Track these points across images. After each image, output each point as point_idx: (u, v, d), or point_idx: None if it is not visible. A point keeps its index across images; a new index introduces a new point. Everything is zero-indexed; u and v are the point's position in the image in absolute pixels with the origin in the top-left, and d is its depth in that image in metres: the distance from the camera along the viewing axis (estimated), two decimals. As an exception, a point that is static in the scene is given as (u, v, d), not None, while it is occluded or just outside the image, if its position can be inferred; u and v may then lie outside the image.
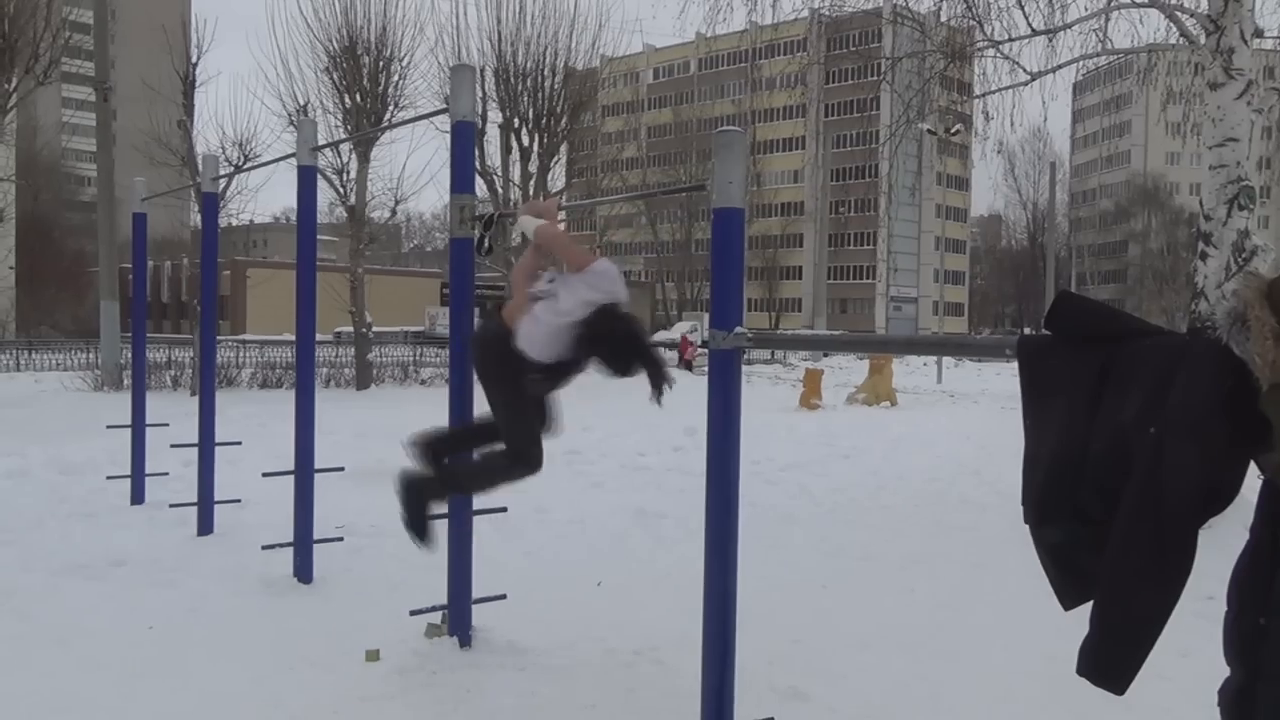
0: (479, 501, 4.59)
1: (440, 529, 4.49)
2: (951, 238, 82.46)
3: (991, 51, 10.66)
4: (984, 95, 11.55)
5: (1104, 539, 2.22)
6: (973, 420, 16.84)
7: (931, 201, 78.40)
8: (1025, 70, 10.23)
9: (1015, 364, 2.42)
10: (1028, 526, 2.39)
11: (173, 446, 7.61)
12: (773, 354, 40.82)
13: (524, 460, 4.04)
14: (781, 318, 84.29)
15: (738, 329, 3.05)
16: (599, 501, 8.02)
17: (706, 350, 3.06)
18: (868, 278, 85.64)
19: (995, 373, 32.42)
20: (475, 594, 4.67)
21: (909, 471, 10.53)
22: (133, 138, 27.74)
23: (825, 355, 38.98)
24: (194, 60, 20.71)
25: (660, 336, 47.47)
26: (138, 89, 27.04)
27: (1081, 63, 10.62)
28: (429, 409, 12.98)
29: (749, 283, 79.91)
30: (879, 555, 6.74)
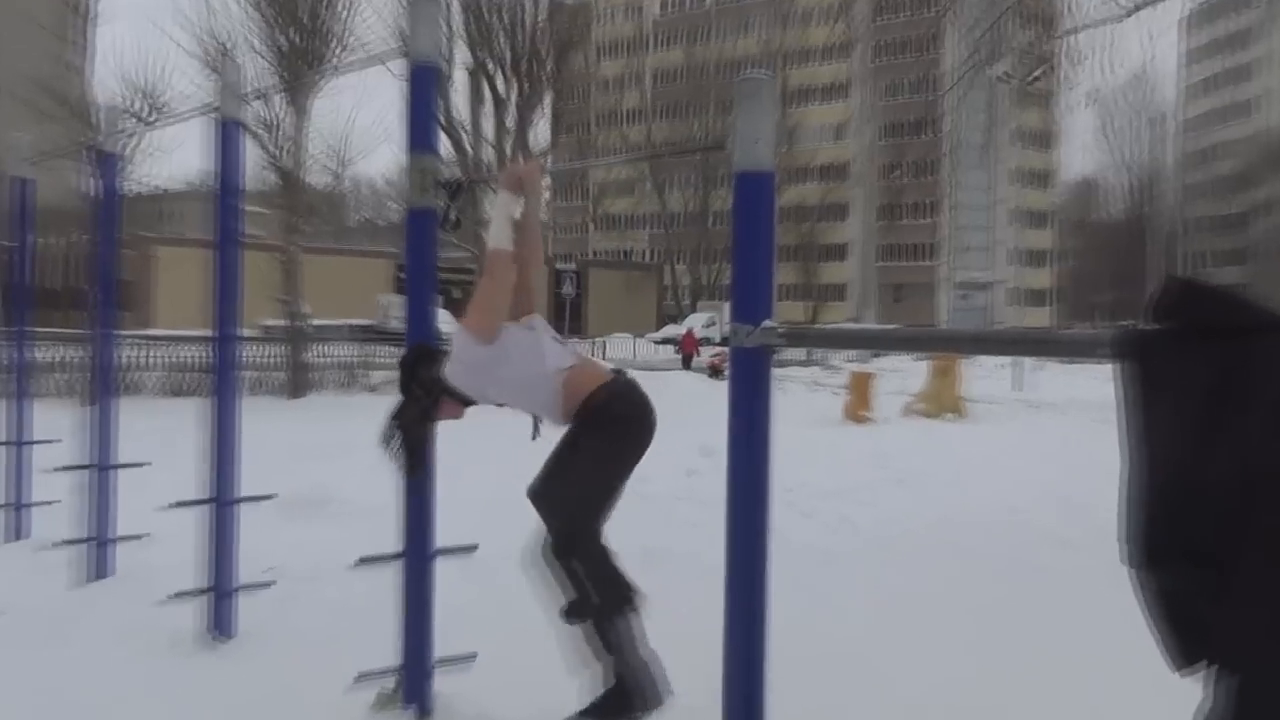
0: (441, 538, 4.58)
1: (391, 572, 4.48)
2: (1032, 209, 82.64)
3: (1082, -24, 10.66)
4: (1072, 32, 11.54)
5: (1228, 586, 2.20)
6: (1059, 436, 16.81)
7: (1007, 164, 78.39)
8: (1121, 2, 10.24)
9: (1113, 366, 2.40)
10: (1130, 569, 2.38)
11: (59, 470, 7.61)
12: (810, 354, 40.91)
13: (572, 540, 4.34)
14: (821, 309, 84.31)
15: (766, 323, 3.03)
16: (593, 538, 8.00)
17: (727, 350, 3.06)
18: (928, 259, 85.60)
19: (1089, 377, 32.39)
20: (437, 653, 4.66)
21: (979, 500, 10.50)
22: (12, 83, 27.79)
23: (876, 355, 39.07)
24: (88, -12, 20.78)
25: (669, 332, 47.58)
26: (18, 23, 27.07)
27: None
28: (379, 423, 12.93)
29: (781, 265, 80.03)
30: (941, 605, 6.72)
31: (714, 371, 33.94)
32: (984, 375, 32.90)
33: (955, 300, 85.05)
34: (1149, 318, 2.36)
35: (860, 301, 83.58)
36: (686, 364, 36.93)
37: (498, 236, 4.34)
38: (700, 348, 39.24)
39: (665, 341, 38.20)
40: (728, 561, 3.14)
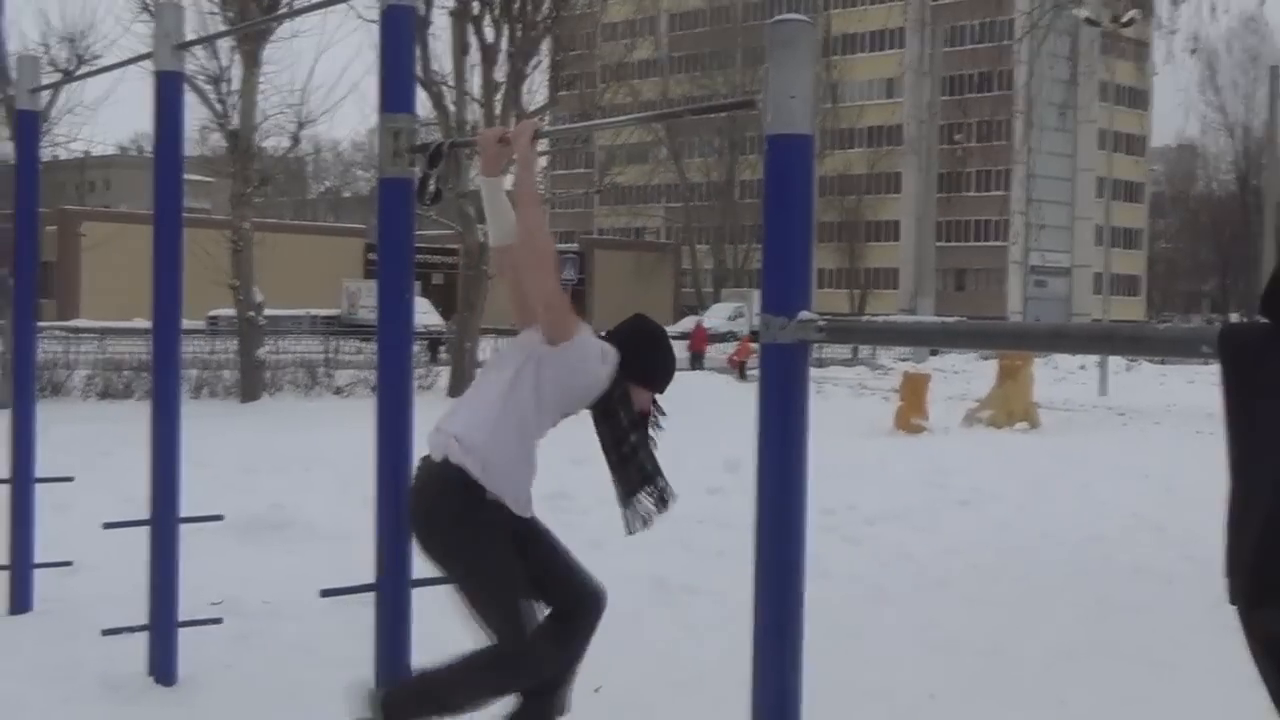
0: (419, 567, 4.59)
1: (361, 606, 4.50)
2: (1123, 179, 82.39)
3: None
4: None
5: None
6: (1153, 451, 16.78)
7: (1093, 125, 78.24)
8: (1232, -69, 10.21)
9: (1216, 367, 2.40)
10: (1234, 608, 2.38)
11: (-29, 484, 7.64)
12: (856, 351, 40.86)
13: (529, 660, 4.24)
14: (869, 297, 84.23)
15: (803, 314, 3.04)
16: (599, 567, 7.99)
17: (751, 344, 3.07)
18: (996, 239, 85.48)
19: (1187, 380, 32.32)
20: (415, 703, 4.66)
21: (1058, 526, 10.50)
22: (-86, 30, 27.80)
23: (933, 354, 39.01)
24: (4, -84, 20.83)
25: (689, 325, 47.61)
26: (-79, -42, 27.11)
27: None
28: (347, 431, 13.03)
29: (821, 245, 79.90)
30: (1013, 649, 6.72)
31: (739, 370, 33.90)
32: (1062, 378, 32.85)
33: (1029, 288, 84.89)
34: (1260, 311, 2.36)
35: (915, 289, 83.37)
36: (696, 363, 36.82)
37: (502, 225, 4.44)
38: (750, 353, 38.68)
39: (683, 336, 38.28)
40: (756, 598, 3.14)
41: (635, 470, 4.31)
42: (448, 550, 4.23)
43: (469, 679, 4.28)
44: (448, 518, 4.18)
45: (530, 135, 4.42)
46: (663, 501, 4.36)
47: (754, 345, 34.79)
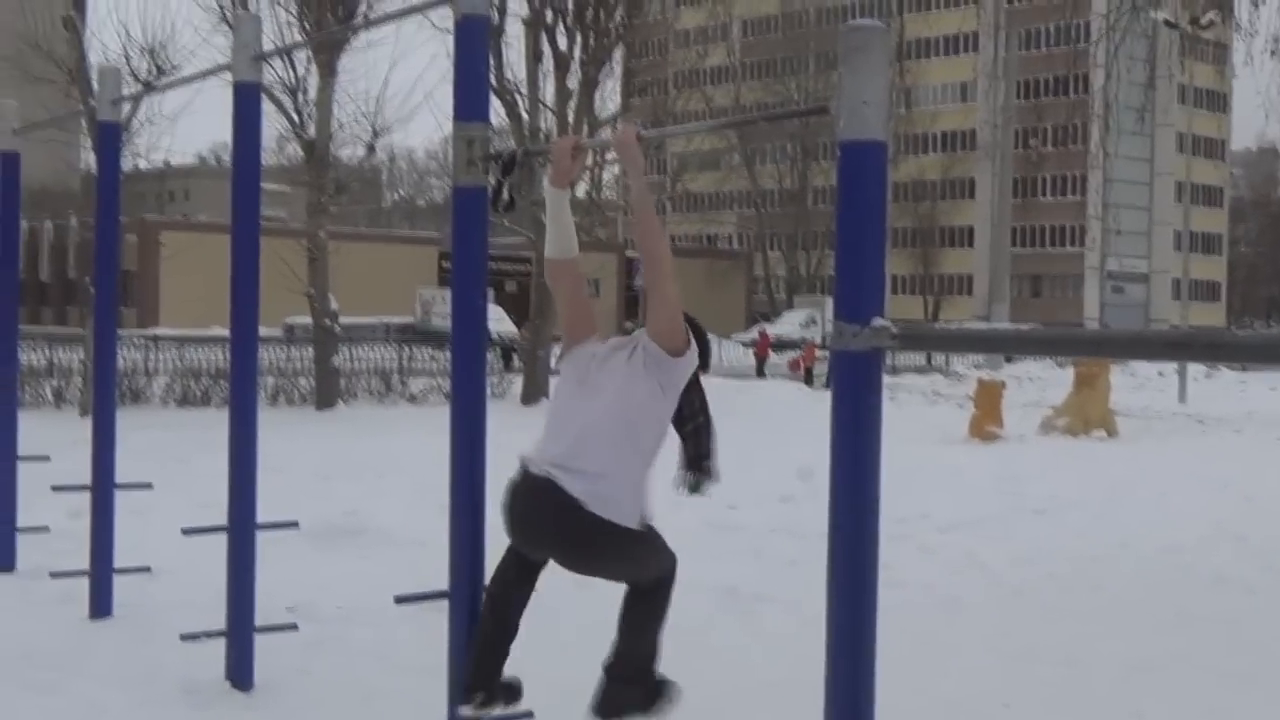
0: (490, 575, 4.61)
1: (435, 613, 4.52)
2: (1202, 183, 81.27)
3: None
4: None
5: None
6: (1233, 459, 16.55)
7: (1171, 129, 77.26)
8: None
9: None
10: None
11: (55, 489, 7.77)
12: (930, 359, 40.59)
13: (672, 575, 4.60)
14: (943, 304, 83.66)
15: (877, 321, 3.02)
16: (670, 575, 8.03)
17: (816, 349, 3.06)
18: (1073, 244, 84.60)
19: (1269, 387, 31.87)
20: (489, 710, 4.68)
21: (1136, 535, 10.38)
22: (-1, 43, 28.38)
23: (1008, 361, 38.66)
24: (86, -69, 21.16)
25: (756, 334, 47.51)
26: (6, -28, 27.68)
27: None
28: (421, 438, 13.11)
29: (894, 252, 79.46)
30: (1089, 660, 6.65)
31: (805, 375, 33.92)
32: (1140, 385, 32.47)
33: (1106, 294, 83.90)
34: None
35: (990, 296, 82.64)
36: (760, 371, 36.96)
37: (558, 241, 4.57)
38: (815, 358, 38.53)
39: (751, 344, 38.38)
40: (829, 607, 3.13)
41: (705, 440, 4.68)
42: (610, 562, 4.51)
43: (653, 615, 4.57)
44: (606, 550, 4.40)
45: (636, 140, 4.47)
46: (710, 475, 4.77)
47: (819, 351, 34.98)
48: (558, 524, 4.28)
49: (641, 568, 4.50)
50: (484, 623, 4.52)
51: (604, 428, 4.33)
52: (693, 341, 4.43)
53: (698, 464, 4.69)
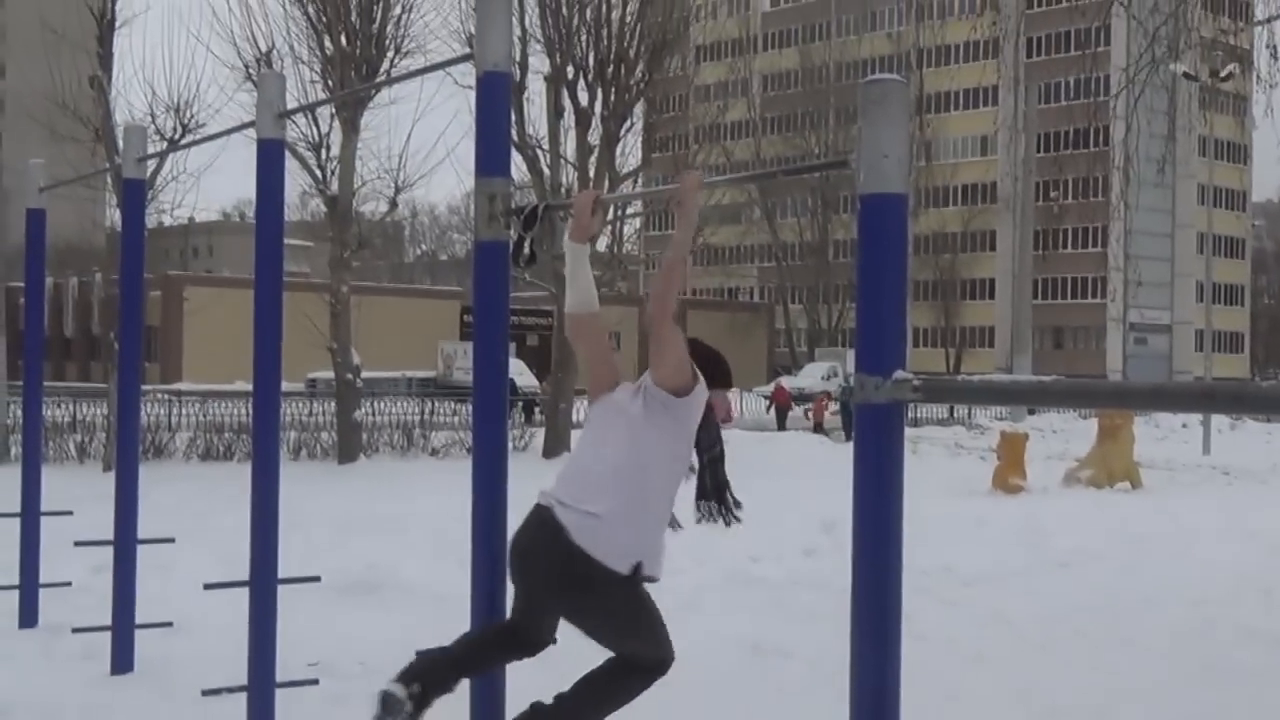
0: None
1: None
2: (1224, 234, 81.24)
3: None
4: (1270, 20, 11.39)
5: None
6: (1259, 510, 16.44)
7: (1192, 180, 77.29)
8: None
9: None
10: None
11: (78, 544, 7.79)
12: (952, 411, 40.49)
13: (661, 667, 4.47)
14: (965, 356, 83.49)
15: (898, 374, 3.02)
16: (693, 629, 7.96)
17: (827, 400, 3.06)
18: (1094, 296, 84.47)
19: (1293, 438, 31.64)
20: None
21: (1162, 589, 10.31)
22: (27, 102, 28.74)
23: (1031, 413, 38.53)
24: (114, -9, 21.40)
25: (786, 385, 47.57)
26: (34, 33, 28.02)
27: None
28: (443, 492, 13.11)
29: (915, 304, 79.49)
30: (1116, 715, 6.59)
31: (815, 426, 34.16)
32: (1164, 436, 32.32)
33: (1129, 345, 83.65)
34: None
35: (1012, 348, 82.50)
36: (781, 423, 37.02)
37: (577, 298, 4.60)
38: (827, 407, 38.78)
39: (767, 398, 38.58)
40: (852, 661, 3.11)
41: (720, 473, 4.67)
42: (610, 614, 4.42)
43: (612, 692, 4.46)
44: (606, 600, 4.35)
45: (697, 190, 4.44)
46: (730, 513, 4.71)
47: (829, 405, 35.20)
48: (544, 550, 4.32)
49: (625, 631, 4.42)
50: (473, 641, 4.52)
51: (612, 472, 4.37)
52: (699, 376, 4.43)
53: (718, 494, 4.67)
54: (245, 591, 5.87)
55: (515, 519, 4.68)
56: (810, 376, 61.21)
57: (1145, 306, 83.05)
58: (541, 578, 4.36)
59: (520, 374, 37.25)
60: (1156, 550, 12.51)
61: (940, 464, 24.26)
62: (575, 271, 4.62)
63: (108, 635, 7.10)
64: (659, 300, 4.41)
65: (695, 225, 4.49)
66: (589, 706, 4.43)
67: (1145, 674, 7.49)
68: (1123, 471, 19.77)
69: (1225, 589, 10.30)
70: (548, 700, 4.45)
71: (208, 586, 6.27)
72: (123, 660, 7.01)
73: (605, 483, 4.34)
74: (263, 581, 5.82)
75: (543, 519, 4.34)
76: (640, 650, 4.41)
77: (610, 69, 24.97)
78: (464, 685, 4.52)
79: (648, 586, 4.38)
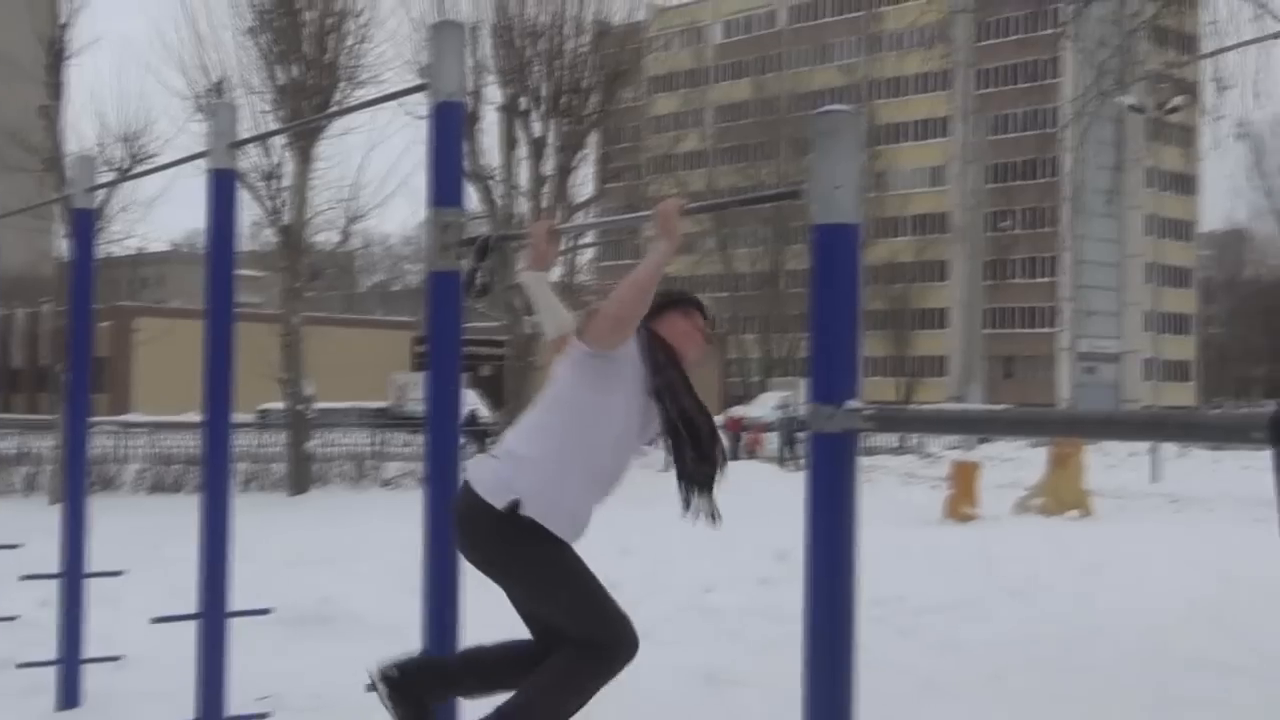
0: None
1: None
2: (1171, 264, 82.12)
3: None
4: (1216, 54, 11.55)
5: None
6: (1208, 538, 16.55)
7: (1140, 211, 78.09)
8: (1276, 17, 10.25)
9: (1269, 454, 2.38)
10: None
11: (25, 578, 7.69)
12: (904, 440, 40.63)
13: (611, 649, 4.24)
14: (917, 386, 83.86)
15: (850, 403, 3.03)
16: (647, 660, 7.93)
17: (764, 428, 3.07)
18: (1044, 325, 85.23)
19: (1241, 466, 31.92)
20: (463, 799, 4.63)
21: (1113, 617, 10.35)
22: (-24, 131, 28.42)
23: (982, 441, 38.71)
24: (63, 21, 21.32)
25: (739, 415, 47.68)
26: (-16, 61, 27.80)
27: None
28: (395, 523, 13.03)
29: (868, 334, 79.58)
30: (1069, 743, 6.60)
31: (749, 455, 34.95)
32: (1114, 464, 32.52)
33: (1078, 375, 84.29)
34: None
35: (963, 377, 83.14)
36: (734, 453, 37.38)
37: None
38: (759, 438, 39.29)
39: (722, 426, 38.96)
40: (806, 690, 3.11)
41: (686, 450, 4.27)
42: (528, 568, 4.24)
43: (563, 688, 4.21)
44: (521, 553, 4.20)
45: (677, 216, 4.20)
46: (699, 482, 4.30)
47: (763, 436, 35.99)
48: (454, 512, 4.31)
49: (542, 594, 4.25)
50: (472, 656, 4.45)
51: (526, 429, 4.32)
52: (636, 344, 4.22)
53: (701, 476, 4.29)
54: (195, 625, 5.82)
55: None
56: (763, 406, 61.37)
57: (1094, 336, 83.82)
58: (460, 538, 4.34)
59: (473, 404, 37.15)
60: (1107, 578, 12.57)
61: (893, 493, 24.33)
62: (540, 300, 4.61)
63: (54, 670, 7.01)
64: (614, 311, 4.17)
65: (674, 252, 4.23)
66: (536, 708, 4.20)
67: (1098, 702, 7.52)
68: (1073, 500, 19.87)
69: (1176, 616, 10.35)
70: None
71: (157, 620, 6.20)
72: (70, 695, 6.93)
73: (518, 436, 4.30)
74: (213, 614, 5.78)
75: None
76: (577, 626, 4.21)
77: (564, 100, 25.04)
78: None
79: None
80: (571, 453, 4.18)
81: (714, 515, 4.31)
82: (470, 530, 4.25)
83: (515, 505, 4.10)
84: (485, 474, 4.22)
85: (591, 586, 4.24)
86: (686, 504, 4.30)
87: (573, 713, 4.25)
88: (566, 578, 4.22)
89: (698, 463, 4.28)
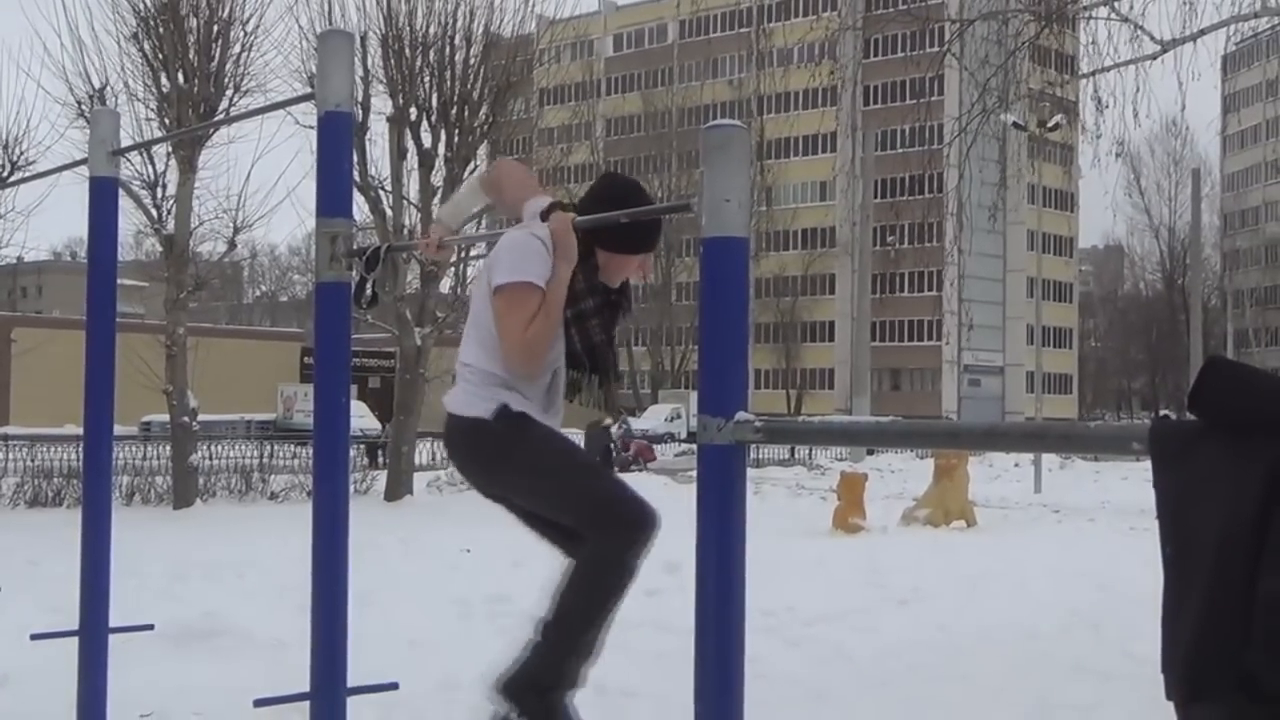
0: (353, 676, 4.53)
1: (297, 715, 4.42)
2: (1052, 279, 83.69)
3: (1104, 11, 10.94)
4: (1094, 74, 11.80)
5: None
6: (1088, 548, 16.87)
7: (1021, 227, 79.65)
8: (1153, 38, 10.51)
9: (1148, 465, 2.43)
10: (1173, 704, 2.39)
11: (-105, 596, 7.49)
12: (793, 452, 40.99)
13: (622, 533, 4.38)
14: (805, 398, 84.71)
15: (740, 415, 3.05)
16: (537, 673, 7.94)
17: (645, 440, 3.08)
18: (930, 338, 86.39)
19: (1120, 477, 32.58)
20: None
21: (997, 625, 10.50)
22: None
23: (870, 453, 39.18)
24: (-62, 23, 20.79)
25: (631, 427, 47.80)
26: None
27: (1234, 26, 10.91)
28: (283, 537, 12.87)
29: (757, 346, 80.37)
30: (954, 750, 6.67)
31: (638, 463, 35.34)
32: (997, 475, 33.04)
33: (963, 387, 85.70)
34: (1188, 408, 2.39)
35: (851, 389, 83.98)
36: (625, 465, 37.61)
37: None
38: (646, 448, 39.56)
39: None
40: (697, 701, 3.12)
41: (592, 340, 4.46)
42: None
43: (589, 596, 4.42)
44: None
45: (569, 232, 4.37)
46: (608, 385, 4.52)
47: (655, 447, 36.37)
48: (450, 442, 4.56)
49: (552, 491, 4.45)
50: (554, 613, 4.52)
51: (467, 334, 4.56)
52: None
53: (591, 357, 4.47)
54: (75, 642, 5.70)
55: (356, 563, 4.63)
56: (653, 418, 61.56)
57: (978, 349, 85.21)
58: (460, 467, 4.59)
59: (362, 416, 36.81)
60: (991, 587, 12.75)
61: (782, 504, 24.50)
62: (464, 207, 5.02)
63: (-73, 690, 6.84)
64: (518, 348, 4.33)
65: (573, 264, 4.37)
66: (581, 610, 4.40)
67: (981, 709, 7.62)
68: (958, 510, 20.13)
69: (1057, 624, 10.52)
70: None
71: (35, 637, 6.06)
72: (-57, 716, 6.76)
73: (468, 351, 4.49)
74: (93, 630, 5.66)
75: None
76: (592, 513, 4.39)
77: (454, 111, 24.94)
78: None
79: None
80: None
81: (608, 406, 4.56)
82: (471, 450, 4.47)
83: (502, 409, 4.31)
84: (460, 397, 4.42)
85: (590, 468, 4.60)
86: (574, 388, 4.48)
87: (615, 601, 4.50)
88: (572, 466, 4.52)
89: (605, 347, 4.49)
